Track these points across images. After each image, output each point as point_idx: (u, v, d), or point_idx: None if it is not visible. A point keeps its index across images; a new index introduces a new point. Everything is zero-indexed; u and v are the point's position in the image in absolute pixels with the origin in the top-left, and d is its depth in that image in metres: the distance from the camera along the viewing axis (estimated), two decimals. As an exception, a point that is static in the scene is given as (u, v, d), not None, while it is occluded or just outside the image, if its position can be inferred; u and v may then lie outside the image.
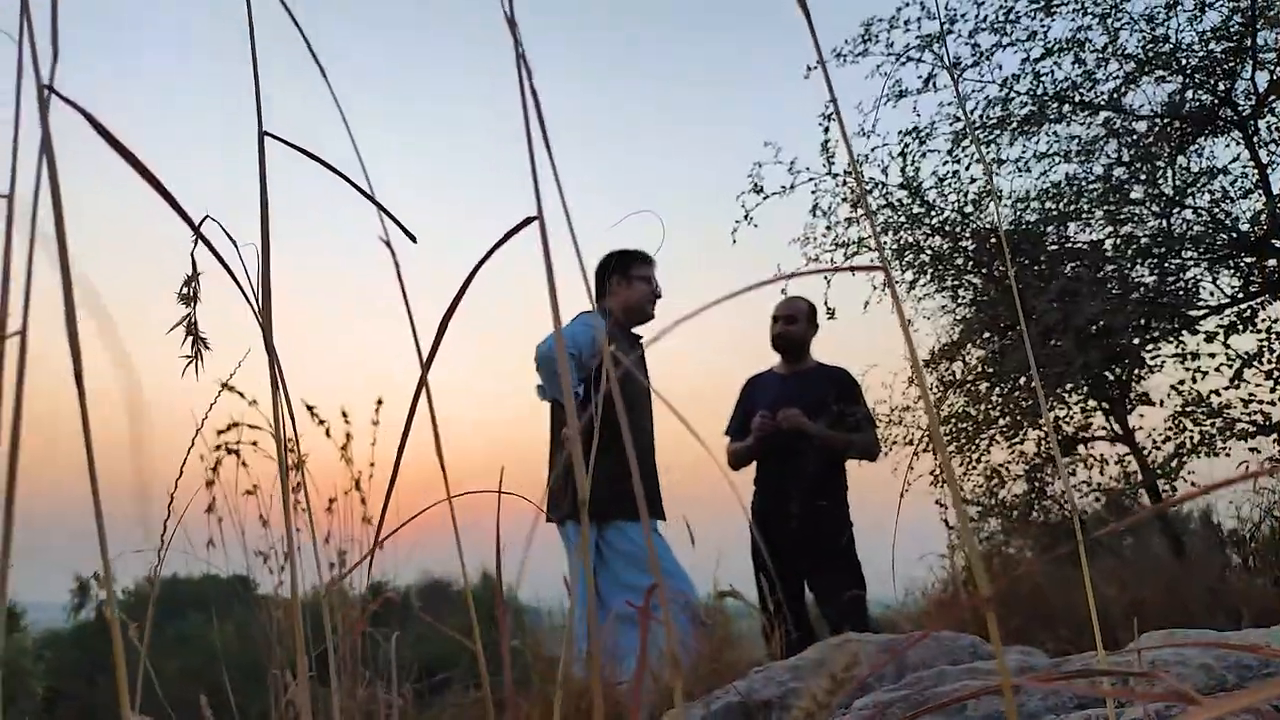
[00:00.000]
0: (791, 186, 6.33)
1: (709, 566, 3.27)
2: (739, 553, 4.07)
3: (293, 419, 0.68)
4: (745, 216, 6.31)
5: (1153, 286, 5.99)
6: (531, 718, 2.34)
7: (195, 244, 0.63)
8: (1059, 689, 1.39)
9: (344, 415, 2.87)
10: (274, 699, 2.38)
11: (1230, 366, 5.73)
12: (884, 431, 6.52)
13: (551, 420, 3.94)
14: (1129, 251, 6.03)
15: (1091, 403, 6.40)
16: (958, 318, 6.76)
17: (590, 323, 3.65)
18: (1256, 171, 5.85)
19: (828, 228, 6.46)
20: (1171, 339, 6.02)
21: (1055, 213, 6.19)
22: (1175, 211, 6.11)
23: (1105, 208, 6.12)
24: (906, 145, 6.34)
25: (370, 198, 0.62)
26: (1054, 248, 6.19)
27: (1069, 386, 6.14)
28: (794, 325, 4.31)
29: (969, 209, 6.37)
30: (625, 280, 3.94)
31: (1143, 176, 6.10)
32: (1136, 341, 5.93)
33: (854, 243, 6.40)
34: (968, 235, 6.35)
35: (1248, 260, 5.89)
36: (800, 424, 4.02)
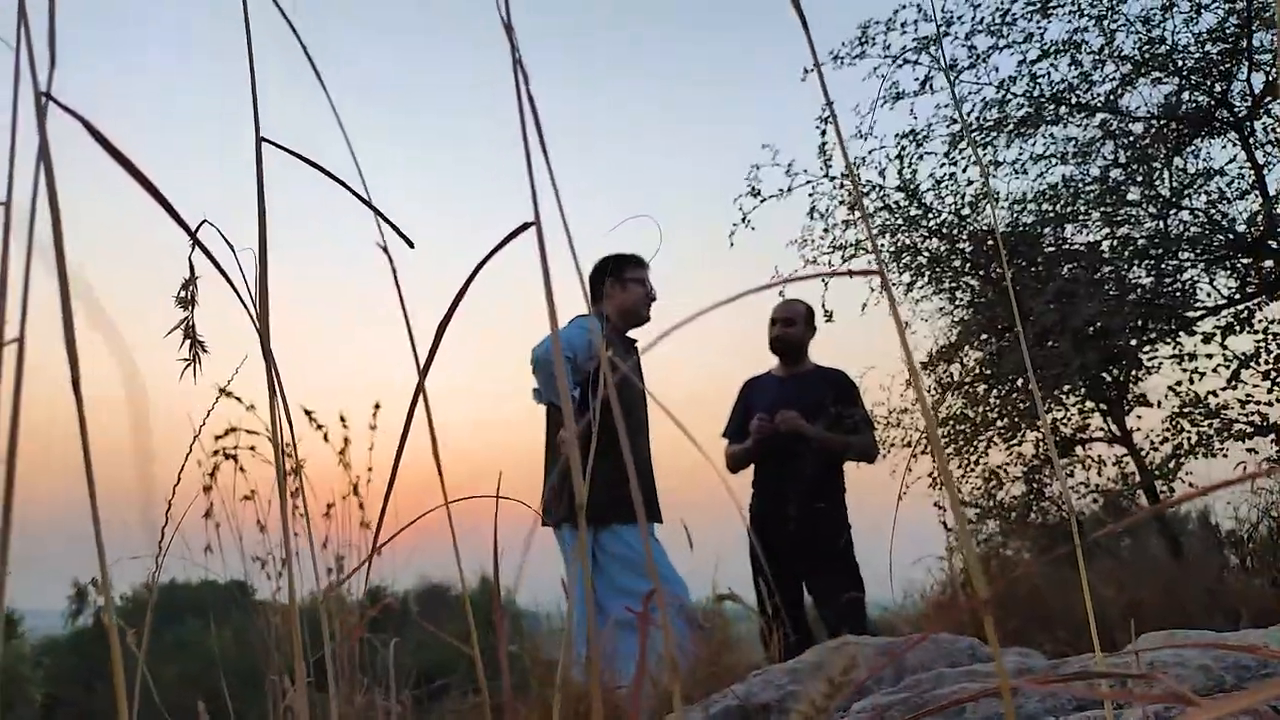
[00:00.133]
0: (789, 189, 6.34)
1: (708, 570, 3.27)
2: (738, 556, 4.07)
3: (290, 424, 0.68)
4: (743, 220, 6.32)
5: (1150, 288, 6.00)
6: (530, 722, 2.34)
7: (193, 248, 0.63)
8: (1057, 691, 1.39)
9: (342, 420, 2.87)
10: (272, 705, 2.38)
11: (1227, 367, 5.74)
12: (882, 434, 6.52)
13: (547, 423, 3.94)
14: (1126, 253, 6.04)
15: (1089, 404, 6.41)
16: (955, 320, 6.77)
17: (586, 326, 3.65)
18: (1253, 172, 5.87)
19: (825, 230, 6.47)
20: (1169, 340, 6.03)
21: (1052, 214, 6.20)
22: (1172, 213, 6.12)
23: (1102, 209, 6.13)
24: (903, 147, 6.36)
25: (367, 202, 0.62)
26: (1051, 249, 6.20)
27: (1066, 388, 6.15)
28: (792, 328, 4.32)
29: (966, 211, 6.38)
30: (620, 284, 3.94)
31: (1139, 178, 6.11)
32: (1134, 343, 5.94)
33: (851, 245, 6.41)
34: (965, 237, 6.36)
35: (1244, 261, 5.90)
36: (798, 426, 4.02)
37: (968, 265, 6.47)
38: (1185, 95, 5.94)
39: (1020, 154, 6.33)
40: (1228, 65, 5.72)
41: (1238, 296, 5.91)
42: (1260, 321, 5.74)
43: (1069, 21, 5.95)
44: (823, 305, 5.95)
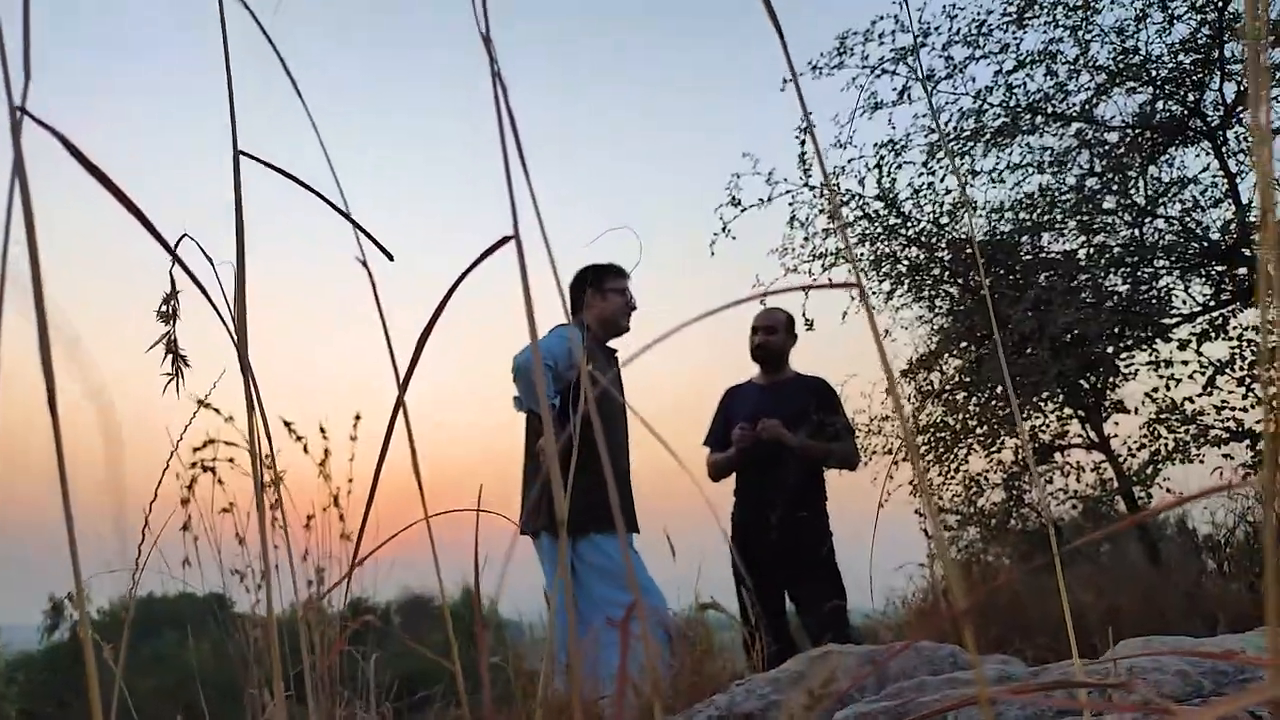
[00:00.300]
0: (769, 198, 6.37)
1: (689, 578, 3.27)
2: (719, 564, 4.07)
3: (269, 436, 0.68)
4: (724, 229, 6.34)
5: (1126, 295, 6.06)
6: (513, 733, 2.33)
7: (173, 265, 0.63)
8: (1037, 697, 1.40)
9: (322, 431, 2.84)
10: (251, 719, 2.35)
11: (1203, 374, 5.80)
12: (863, 441, 6.55)
13: (526, 431, 3.94)
14: (1102, 261, 6.10)
15: (1067, 411, 6.46)
16: (935, 327, 6.81)
17: (567, 335, 3.65)
18: (1226, 181, 5.94)
19: (806, 239, 6.50)
20: (1145, 347, 6.09)
21: (1029, 223, 6.26)
22: (1147, 221, 6.19)
23: (1078, 218, 6.19)
24: (882, 157, 6.40)
25: (347, 216, 0.62)
26: (1028, 257, 6.25)
27: (1045, 395, 6.20)
28: (773, 336, 4.33)
29: (944, 220, 6.43)
30: (600, 294, 3.95)
31: (1115, 187, 6.18)
32: (1111, 350, 6.00)
33: (832, 254, 6.44)
34: (943, 245, 6.41)
35: (1219, 269, 5.97)
36: (780, 434, 4.03)
37: (946, 273, 6.51)
38: (1159, 105, 6.01)
39: (997, 163, 6.40)
40: (1200, 75, 5.80)
41: (1212, 303, 5.98)
42: (1235, 328, 5.81)
43: (1044, 32, 6.02)
44: (804, 314, 5.98)
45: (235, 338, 0.59)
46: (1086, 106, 6.11)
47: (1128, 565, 5.55)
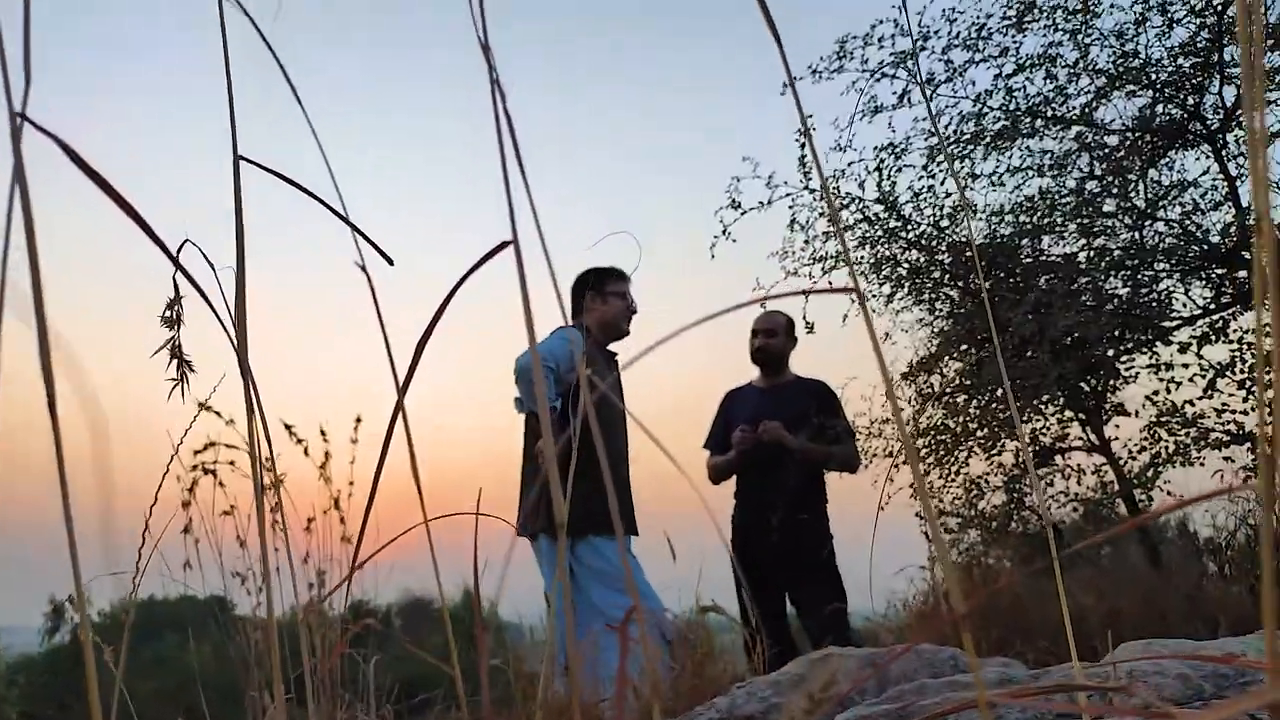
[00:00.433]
0: (769, 201, 6.38)
1: (690, 581, 3.27)
2: (720, 567, 4.07)
3: (269, 439, 0.68)
4: (724, 232, 6.34)
5: (1126, 298, 6.06)
6: (513, 737, 2.33)
7: (175, 271, 0.63)
8: (1038, 700, 1.40)
9: (322, 434, 2.85)
10: (252, 722, 2.35)
11: (1203, 377, 5.80)
12: (864, 444, 6.55)
13: (525, 433, 3.94)
14: (1102, 264, 6.10)
15: (1068, 413, 6.46)
16: (935, 330, 6.81)
17: (568, 337, 3.65)
18: (1226, 184, 5.94)
19: (805, 242, 6.50)
20: (1145, 350, 6.09)
21: (1029, 226, 6.26)
22: (1147, 224, 6.19)
23: (1078, 221, 6.19)
24: (882, 160, 6.40)
25: (347, 221, 0.63)
26: (1028, 261, 6.25)
27: (1045, 398, 6.19)
28: (773, 339, 4.33)
29: (944, 223, 6.43)
30: (600, 297, 3.96)
31: (1115, 190, 6.18)
32: (1111, 353, 5.99)
33: (832, 257, 6.44)
34: (943, 249, 6.41)
35: (1219, 272, 5.97)
36: (780, 437, 4.04)
37: (947, 276, 6.52)
38: (1159, 108, 6.01)
39: (997, 166, 6.40)
40: (1200, 79, 5.80)
41: (1213, 306, 5.98)
42: (1235, 331, 5.80)
43: (1044, 36, 6.02)
44: (804, 317, 5.98)
45: (235, 341, 0.59)
46: (1086, 110, 6.12)
47: (1128, 568, 5.54)
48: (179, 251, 0.58)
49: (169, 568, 2.39)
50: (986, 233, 6.40)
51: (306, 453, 2.80)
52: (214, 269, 0.63)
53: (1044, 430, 6.52)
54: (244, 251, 0.58)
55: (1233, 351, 5.75)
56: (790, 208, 6.45)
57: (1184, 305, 6.08)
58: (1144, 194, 6.20)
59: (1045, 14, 5.95)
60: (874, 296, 6.70)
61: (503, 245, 0.50)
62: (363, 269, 0.62)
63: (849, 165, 6.50)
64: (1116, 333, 5.91)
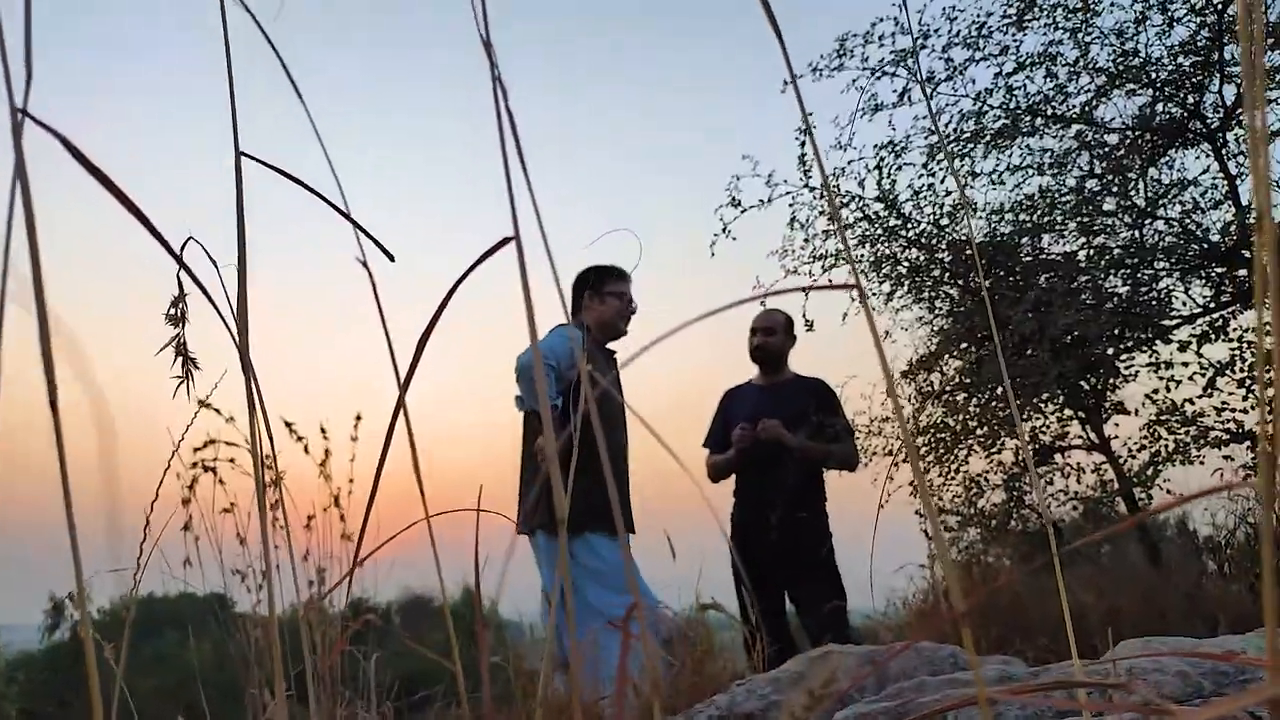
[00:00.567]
0: (769, 200, 6.38)
1: (690, 579, 3.27)
2: (720, 564, 4.07)
3: (270, 436, 0.68)
4: (723, 230, 6.34)
5: (1126, 297, 6.06)
6: (513, 734, 2.33)
7: (179, 269, 0.63)
8: (1037, 697, 1.40)
9: (323, 432, 2.85)
10: (252, 719, 2.36)
11: (1203, 375, 5.80)
12: (863, 442, 6.55)
13: (525, 431, 3.94)
14: (1102, 262, 6.10)
15: (1068, 412, 6.46)
16: (935, 329, 6.81)
17: (568, 335, 3.65)
18: (1226, 183, 5.95)
19: (805, 240, 6.50)
20: (1145, 348, 6.09)
21: (1029, 224, 6.26)
22: (1147, 223, 6.19)
23: (1078, 219, 6.19)
24: (882, 158, 6.40)
25: (348, 217, 0.63)
26: (1028, 259, 6.25)
27: (1045, 396, 6.20)
28: (772, 337, 4.33)
29: (944, 221, 6.43)
30: (599, 296, 3.95)
31: (1115, 188, 6.18)
32: (1111, 351, 6.00)
33: (832, 255, 6.45)
34: (943, 247, 6.41)
35: (1219, 270, 5.97)
36: (779, 435, 4.04)
37: (946, 275, 6.52)
38: (1159, 107, 6.01)
39: (997, 165, 6.40)
40: (1200, 77, 5.80)
41: (1213, 305, 5.99)
42: (1235, 330, 5.81)
43: (1044, 35, 6.02)
44: (804, 315, 5.98)
45: (237, 338, 0.59)
46: (1086, 108, 6.11)
47: (1128, 566, 5.55)
48: (182, 249, 0.58)
49: (169, 565, 2.39)
50: (986, 231, 6.40)
51: (307, 450, 2.80)
52: (216, 266, 0.64)
53: (1044, 428, 6.52)
54: (245, 248, 0.58)
55: (1232, 350, 5.76)
56: (790, 206, 6.46)
57: (1184, 304, 6.09)
58: (1144, 192, 6.20)
59: (1045, 12, 5.95)
60: (874, 295, 6.70)
61: (504, 241, 0.50)
62: (364, 265, 0.62)
63: (849, 163, 6.50)
64: (1116, 331, 5.91)
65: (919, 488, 6.14)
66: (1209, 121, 5.91)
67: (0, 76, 0.48)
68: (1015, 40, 6.03)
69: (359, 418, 2.94)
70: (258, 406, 0.61)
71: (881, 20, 6.11)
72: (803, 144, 6.28)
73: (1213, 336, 5.81)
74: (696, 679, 2.68)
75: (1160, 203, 6.18)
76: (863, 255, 6.58)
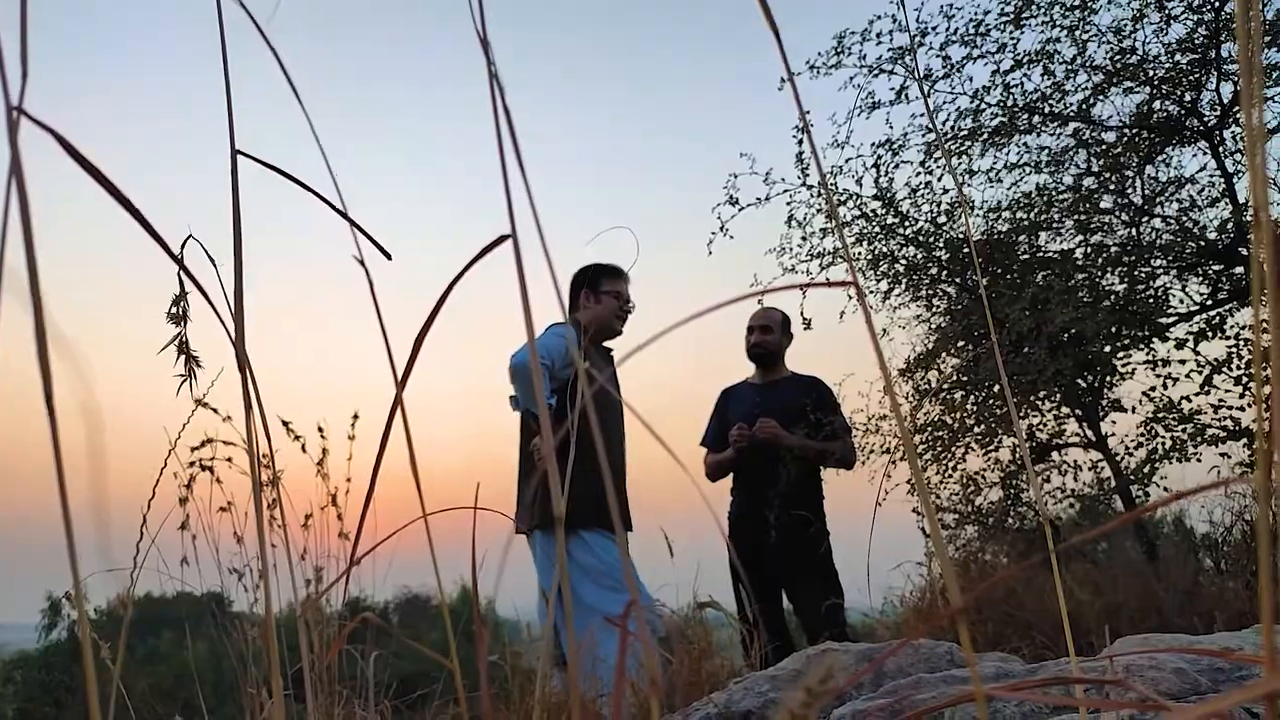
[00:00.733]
0: (767, 198, 6.37)
1: (687, 577, 3.28)
2: (718, 563, 4.07)
3: (267, 435, 0.68)
4: (721, 228, 6.34)
5: (1123, 294, 6.07)
6: (511, 732, 2.33)
7: (179, 268, 0.63)
8: (1034, 694, 1.40)
9: (320, 431, 2.84)
10: (249, 718, 2.36)
11: (1200, 373, 5.81)
12: (860, 440, 6.55)
13: (522, 430, 3.94)
14: (1099, 260, 6.11)
15: (1064, 409, 6.47)
16: (932, 326, 6.81)
17: (562, 333, 3.65)
18: (1223, 180, 5.95)
19: (803, 238, 6.50)
20: (1142, 346, 6.10)
21: (1026, 222, 6.26)
22: (1144, 220, 6.20)
23: (1075, 217, 6.20)
24: (880, 156, 6.40)
25: (345, 215, 0.62)
26: (1025, 257, 6.26)
27: (1042, 394, 6.20)
28: (769, 335, 4.34)
29: (942, 219, 6.43)
30: (594, 295, 3.95)
31: (1112, 186, 6.19)
32: (1108, 349, 6.00)
33: (829, 253, 6.45)
34: (941, 245, 6.42)
35: (1216, 268, 5.98)
36: (777, 435, 4.04)
37: (944, 273, 6.52)
38: (1156, 104, 6.02)
39: (995, 163, 6.40)
40: (1197, 75, 5.81)
41: (1209, 303, 5.99)
42: (1232, 327, 5.81)
43: (1041, 32, 6.02)
44: (801, 313, 5.98)
45: (233, 337, 0.59)
46: (1084, 106, 6.12)
47: (1125, 564, 5.56)
48: (182, 248, 0.58)
49: (166, 564, 2.39)
50: (984, 229, 6.40)
51: (304, 449, 2.79)
52: (215, 265, 0.63)
53: (1041, 426, 6.53)
54: (241, 247, 0.58)
55: (1229, 347, 5.77)
56: (788, 204, 6.46)
57: (1181, 301, 6.09)
58: (1141, 190, 6.20)
59: (1043, 10, 5.95)
60: (871, 293, 6.70)
61: (501, 239, 0.50)
62: (361, 264, 0.62)
63: (847, 161, 6.50)
64: (1113, 329, 5.92)
65: (916, 485, 6.15)
66: (1206, 119, 5.92)
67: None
68: (1013, 38, 6.03)
69: (356, 416, 2.94)
70: (254, 405, 0.61)
71: (879, 18, 6.11)
72: (800, 142, 6.28)
73: (1210, 334, 5.81)
74: (694, 677, 2.68)
75: (1157, 200, 6.19)
76: (860, 253, 6.58)
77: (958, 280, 6.47)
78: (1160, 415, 5.95)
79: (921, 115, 6.26)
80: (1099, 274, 6.09)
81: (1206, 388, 5.77)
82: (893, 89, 6.26)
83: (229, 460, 2.46)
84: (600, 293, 3.95)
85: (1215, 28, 5.58)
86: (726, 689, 2.10)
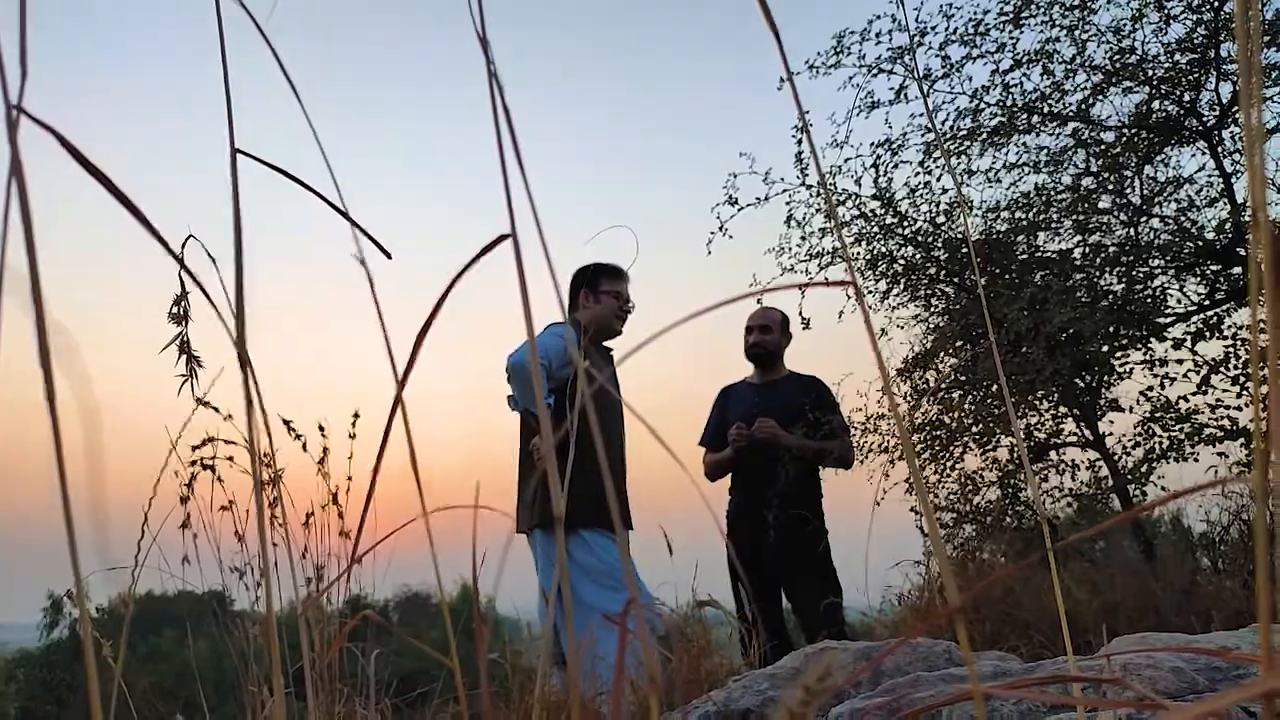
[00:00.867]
0: (766, 198, 6.38)
1: (686, 576, 3.28)
2: (717, 561, 4.08)
3: (268, 433, 0.68)
4: (720, 228, 6.34)
5: (1121, 294, 6.08)
6: (510, 731, 2.33)
7: (180, 268, 0.63)
8: (1032, 693, 1.40)
9: (321, 430, 2.84)
10: (250, 716, 2.36)
11: (1197, 373, 5.82)
12: (859, 439, 6.56)
13: (522, 430, 3.94)
14: (1097, 260, 6.11)
15: (1062, 409, 6.48)
16: (931, 326, 6.82)
17: (560, 333, 3.65)
18: (1221, 180, 5.96)
19: (802, 238, 6.51)
20: (1140, 346, 6.10)
21: (1025, 222, 6.27)
22: (1143, 220, 6.21)
23: (1074, 217, 6.21)
24: (879, 156, 6.41)
25: (345, 214, 0.63)
26: (1024, 257, 6.26)
27: (1040, 393, 6.21)
28: (768, 335, 4.34)
29: (941, 219, 6.44)
30: (593, 295, 3.94)
31: (1110, 186, 6.19)
32: (1105, 348, 6.01)
33: (828, 253, 6.45)
34: (940, 245, 6.42)
35: (1213, 268, 5.99)
36: (775, 436, 4.04)
37: (943, 272, 6.53)
38: (1155, 104, 6.02)
39: (994, 162, 6.41)
40: (1196, 75, 5.81)
41: (1207, 303, 6.00)
42: (1229, 327, 5.82)
43: (1041, 32, 6.02)
44: (800, 313, 5.99)
45: (234, 336, 0.59)
46: (1083, 106, 6.12)
47: (1123, 562, 5.56)
48: (182, 247, 0.58)
49: (168, 562, 2.39)
50: (982, 229, 6.41)
51: (305, 448, 2.79)
52: (215, 264, 0.64)
53: (1039, 426, 6.54)
54: (242, 246, 0.58)
55: (1227, 347, 5.78)
56: (787, 204, 6.47)
57: (1178, 301, 6.10)
58: (1139, 190, 6.21)
59: (1042, 10, 5.96)
60: (870, 292, 6.71)
61: (501, 238, 0.50)
62: (361, 263, 0.62)
63: (846, 161, 6.51)
64: (1111, 329, 5.93)
65: (915, 484, 6.15)
66: (1205, 119, 5.92)
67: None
68: (1012, 38, 6.03)
69: (357, 415, 2.93)
70: (255, 404, 0.62)
71: (879, 18, 6.12)
72: (799, 141, 6.29)
73: (1207, 334, 5.82)
74: (693, 675, 2.68)
75: (1156, 200, 6.19)
76: (859, 253, 6.59)
77: (956, 280, 6.48)
78: (1158, 415, 5.96)
79: (921, 115, 6.27)
80: (1097, 274, 6.10)
81: (1204, 387, 5.78)
82: (892, 89, 6.27)
83: (230, 459, 2.46)
84: (600, 292, 3.95)
85: (1214, 27, 5.58)
86: (725, 687, 2.11)
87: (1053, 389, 6.09)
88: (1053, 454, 6.53)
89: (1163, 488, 5.76)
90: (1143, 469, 5.83)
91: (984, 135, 6.25)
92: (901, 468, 6.38)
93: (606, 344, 4.03)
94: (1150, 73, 5.90)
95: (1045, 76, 6.11)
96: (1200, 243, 5.94)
